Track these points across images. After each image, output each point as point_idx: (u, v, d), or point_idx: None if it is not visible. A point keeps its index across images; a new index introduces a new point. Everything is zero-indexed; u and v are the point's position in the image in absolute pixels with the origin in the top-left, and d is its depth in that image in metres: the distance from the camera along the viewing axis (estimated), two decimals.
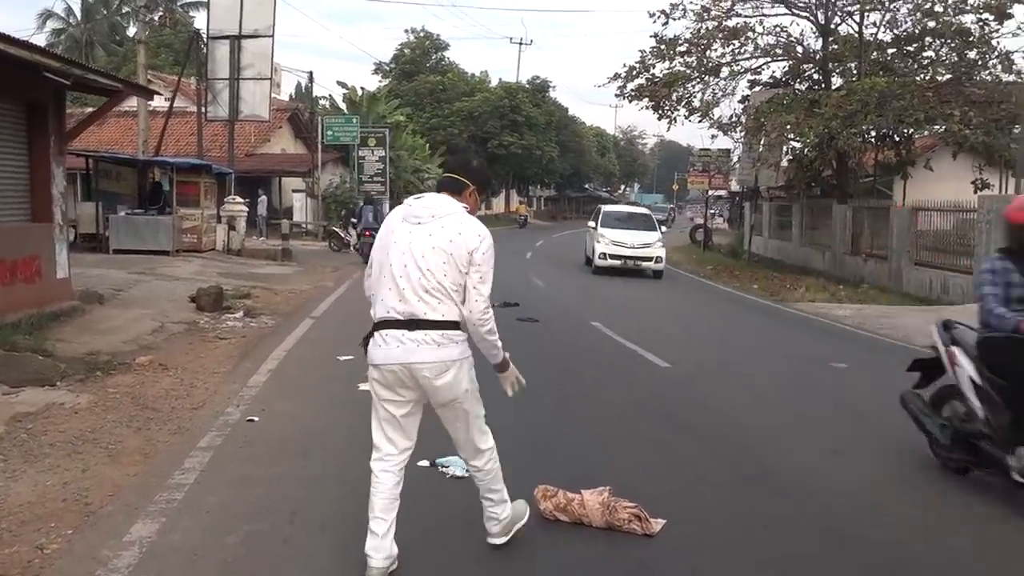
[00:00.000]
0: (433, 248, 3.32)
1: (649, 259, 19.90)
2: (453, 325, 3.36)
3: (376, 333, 3.39)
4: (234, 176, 22.97)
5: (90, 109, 35.46)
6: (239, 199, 21.48)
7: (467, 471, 4.37)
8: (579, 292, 16.22)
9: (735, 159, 32.07)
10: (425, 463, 4.58)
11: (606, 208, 23.21)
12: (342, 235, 24.34)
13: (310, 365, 7.81)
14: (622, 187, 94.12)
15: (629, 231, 20.32)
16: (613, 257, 19.73)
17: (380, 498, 3.39)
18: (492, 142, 47.64)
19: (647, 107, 24.28)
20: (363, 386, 6.70)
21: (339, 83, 53.17)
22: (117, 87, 9.34)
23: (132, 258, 16.74)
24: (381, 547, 3.33)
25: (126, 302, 11.35)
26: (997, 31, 20.30)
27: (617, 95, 24.40)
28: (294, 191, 30.94)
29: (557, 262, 24.38)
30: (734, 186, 35.29)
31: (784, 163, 24.85)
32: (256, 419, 5.65)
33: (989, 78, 20.79)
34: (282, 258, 19.97)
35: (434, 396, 3.40)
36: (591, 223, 22.01)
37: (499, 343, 3.53)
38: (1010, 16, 19.96)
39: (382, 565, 3.32)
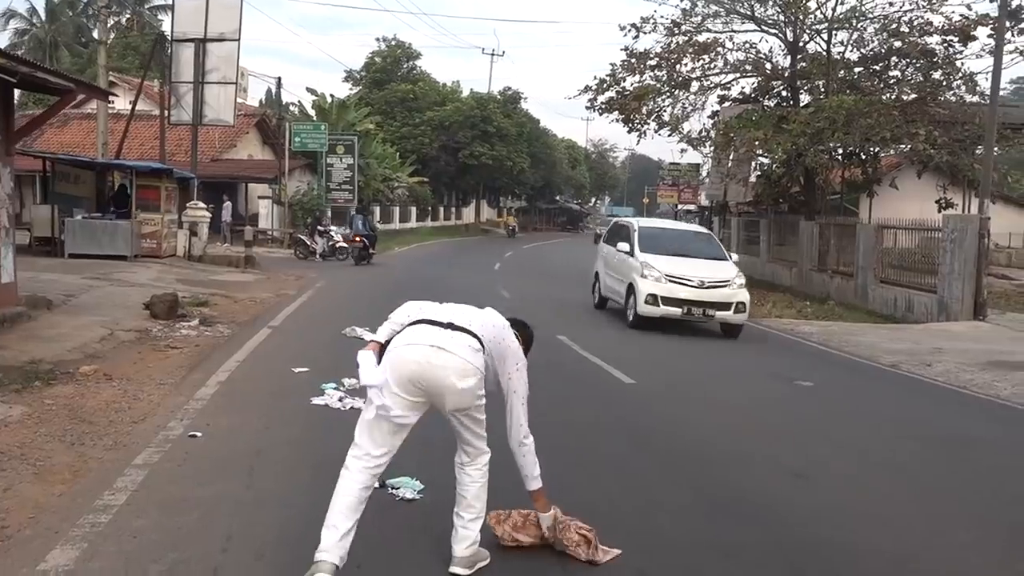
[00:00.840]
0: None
1: (727, 306, 12.59)
2: (480, 343, 3.56)
3: (407, 329, 3.53)
4: (198, 181, 22.53)
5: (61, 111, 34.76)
6: (201, 204, 21.05)
7: (419, 494, 4.14)
8: (546, 305, 15.99)
9: (704, 174, 32.29)
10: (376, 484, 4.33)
11: (642, 223, 15.74)
12: (308, 243, 24.00)
13: (263, 377, 7.52)
14: (593, 200, 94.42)
15: (690, 260, 13.24)
16: (671, 302, 12.44)
17: (348, 498, 3.39)
18: (463, 152, 47.49)
19: (617, 120, 24.24)
20: (316, 400, 6.50)
21: (308, 90, 52.75)
22: (69, 86, 9.01)
23: (88, 263, 16.29)
24: (339, 546, 3.32)
25: (76, 308, 10.96)
26: (961, 52, 20.60)
27: (588, 107, 24.33)
28: (260, 197, 30.51)
29: (525, 273, 24.22)
30: (703, 200, 35.52)
31: (752, 179, 24.95)
32: (199, 435, 5.37)
33: (954, 98, 21.07)
34: (245, 265, 19.57)
35: (453, 400, 3.48)
36: (609, 245, 14.84)
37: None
38: (974, 38, 20.28)
39: (335, 560, 3.28)
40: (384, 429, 3.46)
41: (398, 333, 3.56)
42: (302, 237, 24.41)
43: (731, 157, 23.73)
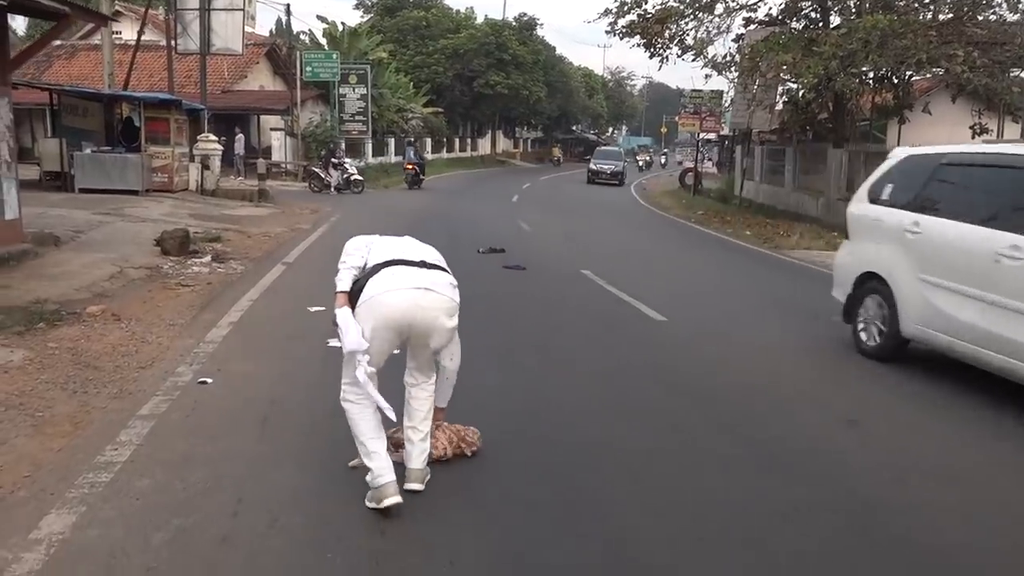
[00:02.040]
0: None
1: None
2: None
3: (382, 272, 3.41)
4: (208, 113, 21.95)
5: (58, 42, 34.00)
6: (213, 137, 20.48)
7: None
8: (568, 237, 15.56)
9: (727, 101, 31.22)
10: None
11: None
12: (322, 175, 23.48)
13: (277, 317, 7.19)
14: (610, 130, 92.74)
15: None
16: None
17: (372, 421, 3.47)
18: (478, 81, 46.35)
19: (638, 45, 23.27)
20: (333, 342, 6.15)
21: (319, 18, 51.32)
22: (63, 9, 8.47)
23: (98, 198, 15.93)
24: (391, 464, 3.42)
25: (85, 245, 10.63)
26: None
27: (608, 32, 23.35)
28: (273, 129, 29.84)
29: (544, 205, 23.69)
30: (724, 129, 34.47)
31: (779, 105, 24.04)
32: (209, 381, 5.04)
33: (993, 18, 19.99)
34: (258, 199, 19.15)
35: (439, 338, 3.52)
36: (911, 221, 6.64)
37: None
38: None
39: (394, 478, 3.38)
40: (377, 355, 3.49)
41: (367, 277, 3.41)
42: (316, 170, 23.87)
43: (757, 83, 22.80)
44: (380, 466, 3.36)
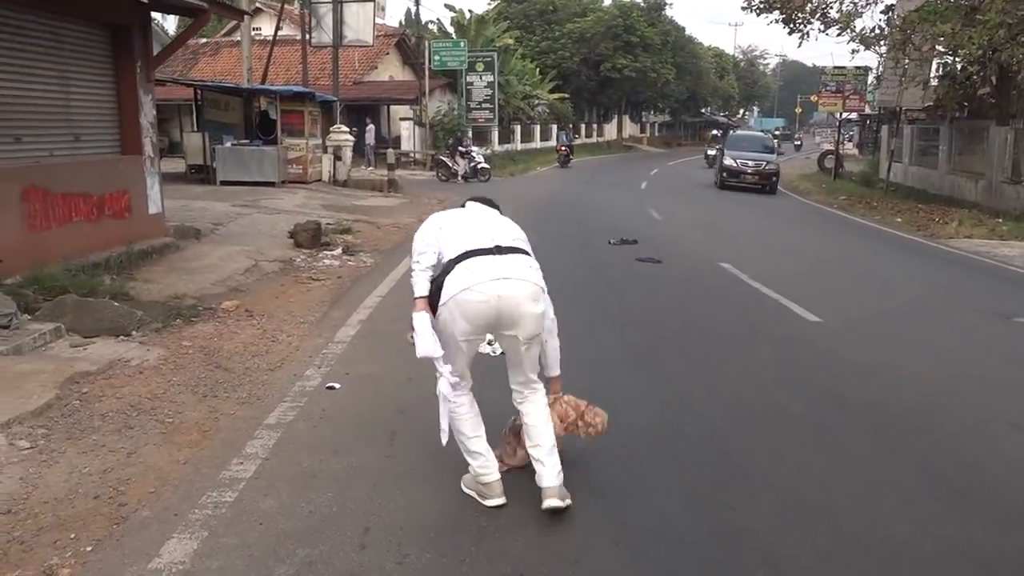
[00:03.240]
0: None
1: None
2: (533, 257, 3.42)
3: (456, 269, 3.24)
4: (341, 104, 22.34)
5: (203, 40, 35.60)
6: (344, 128, 20.84)
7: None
8: (702, 227, 14.82)
9: (872, 78, 29.28)
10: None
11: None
12: (450, 164, 23.53)
13: (405, 315, 6.90)
14: (741, 111, 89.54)
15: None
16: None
17: (472, 419, 3.45)
18: (605, 65, 45.52)
19: (776, 21, 22.10)
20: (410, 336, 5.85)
21: (447, 6, 51.60)
22: (202, 6, 8.58)
23: (238, 189, 16.44)
24: (491, 463, 3.40)
25: (223, 238, 10.86)
26: None
27: (744, 8, 22.24)
28: (402, 119, 30.23)
29: (673, 192, 22.89)
30: (868, 108, 32.34)
31: (934, 81, 22.22)
32: (337, 386, 4.85)
33: None
34: (388, 189, 19.34)
35: (529, 327, 3.28)
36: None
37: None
38: None
39: (498, 478, 3.39)
40: (461, 362, 3.43)
41: (445, 273, 3.27)
42: (444, 159, 23.94)
43: (909, 57, 21.14)
44: (482, 464, 3.38)
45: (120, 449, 3.86)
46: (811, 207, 20.91)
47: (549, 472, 3.30)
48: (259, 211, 13.72)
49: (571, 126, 40.69)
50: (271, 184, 17.36)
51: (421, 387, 4.92)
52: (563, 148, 33.18)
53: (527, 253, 3.36)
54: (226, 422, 4.27)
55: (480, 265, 3.21)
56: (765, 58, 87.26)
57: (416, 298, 3.33)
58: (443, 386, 3.32)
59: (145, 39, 9.09)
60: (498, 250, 3.26)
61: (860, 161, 34.07)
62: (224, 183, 17.30)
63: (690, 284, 9.01)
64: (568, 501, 3.28)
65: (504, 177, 25.88)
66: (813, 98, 61.34)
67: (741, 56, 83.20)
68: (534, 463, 3.37)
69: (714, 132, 35.60)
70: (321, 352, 5.61)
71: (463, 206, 3.66)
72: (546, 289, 3.34)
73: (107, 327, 6.05)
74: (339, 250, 10.40)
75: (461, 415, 3.40)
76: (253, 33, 31.70)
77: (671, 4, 50.75)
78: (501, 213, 3.66)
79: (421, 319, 3.27)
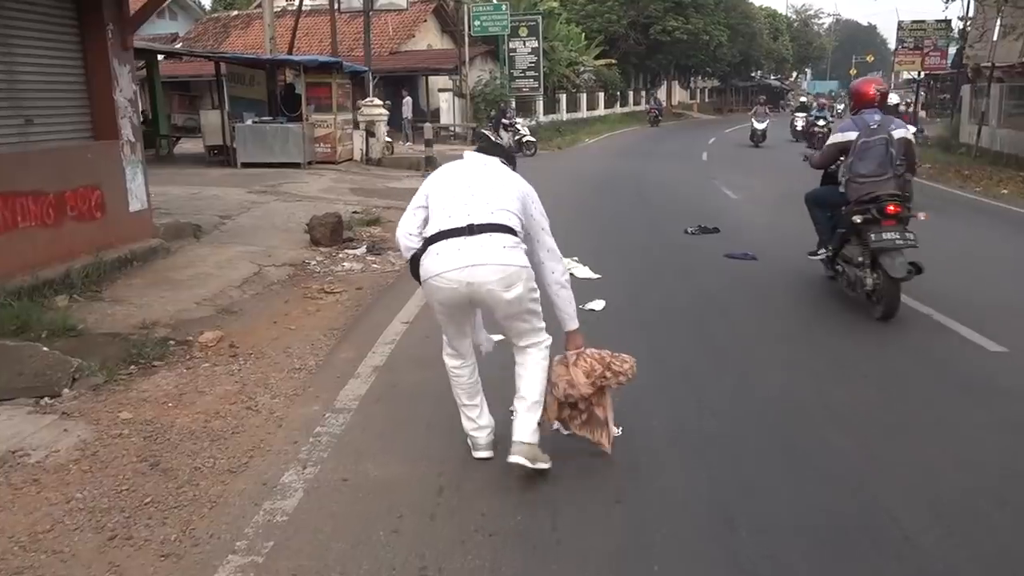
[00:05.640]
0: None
1: None
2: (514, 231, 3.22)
3: (429, 251, 3.18)
4: (375, 77, 20.53)
5: (235, 13, 34.10)
6: (377, 101, 18.99)
7: None
8: (790, 208, 12.21)
9: (956, 31, 26.55)
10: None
11: None
12: (492, 138, 21.64)
13: (436, 356, 5.03)
14: (794, 74, 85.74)
15: None
16: None
17: (467, 388, 3.53)
18: (655, 28, 42.92)
19: None
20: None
21: None
22: None
23: (259, 172, 14.83)
24: (482, 425, 3.52)
25: (228, 235, 9.20)
26: None
27: None
28: (440, 91, 28.31)
29: (741, 164, 20.67)
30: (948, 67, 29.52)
31: None
32: (323, 529, 3.08)
33: None
34: (426, 167, 17.50)
35: (504, 310, 3.19)
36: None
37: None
38: None
39: (488, 439, 3.51)
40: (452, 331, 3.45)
41: (420, 253, 3.23)
42: (486, 132, 22.06)
43: (1005, 6, 18.65)
44: (469, 425, 3.54)
45: None
46: None
47: (523, 427, 3.25)
48: (278, 198, 12.04)
49: (655, 89, 49.67)
50: (296, 165, 15.71)
51: (457, 507, 3.13)
52: (653, 110, 39.59)
53: (506, 228, 3.16)
54: None
55: (449, 250, 3.12)
56: (820, 17, 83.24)
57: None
58: (445, 356, 3.54)
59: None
60: (470, 230, 3.12)
61: (928, 124, 31.29)
62: (245, 165, 15.70)
63: (807, 291, 7.01)
64: (541, 465, 3.22)
65: (551, 151, 23.89)
66: (869, 58, 57.77)
67: (794, 16, 79.45)
68: (513, 415, 3.33)
69: (761, 98, 30.84)
70: (312, 432, 3.83)
71: (462, 157, 3.51)
72: (527, 264, 3.16)
73: (27, 385, 4.39)
74: (363, 248, 8.68)
75: (460, 384, 3.53)
76: (286, 2, 30.05)
77: None
78: (506, 161, 3.51)
79: None
